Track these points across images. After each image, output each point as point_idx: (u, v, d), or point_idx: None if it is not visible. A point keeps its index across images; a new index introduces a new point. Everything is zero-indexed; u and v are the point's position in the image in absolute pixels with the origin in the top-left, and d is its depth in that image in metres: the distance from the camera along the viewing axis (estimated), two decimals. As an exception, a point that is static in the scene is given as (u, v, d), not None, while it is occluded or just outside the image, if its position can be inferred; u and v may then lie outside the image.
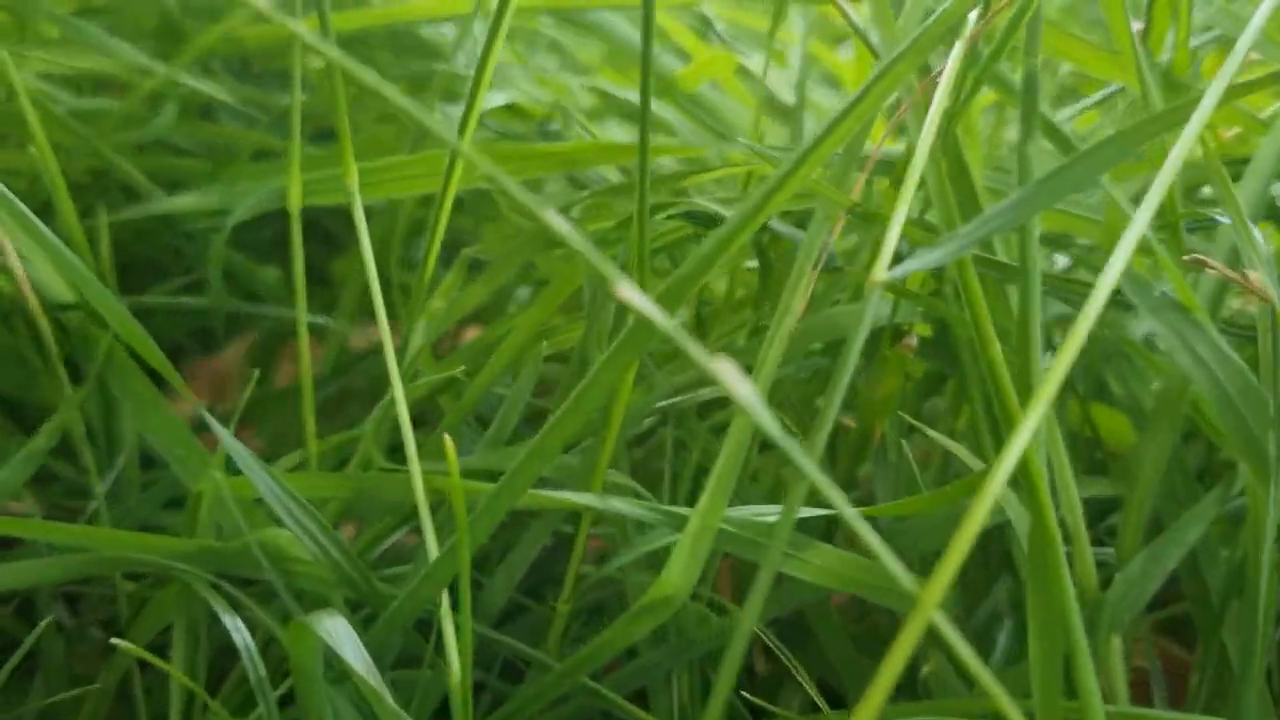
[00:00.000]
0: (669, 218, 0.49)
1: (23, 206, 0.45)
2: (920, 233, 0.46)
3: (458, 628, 0.42)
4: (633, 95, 0.66)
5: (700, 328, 0.55)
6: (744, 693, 0.46)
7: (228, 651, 0.47)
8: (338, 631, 0.38)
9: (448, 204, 0.46)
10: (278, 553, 0.46)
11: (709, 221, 0.50)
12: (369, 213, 0.70)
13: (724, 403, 0.51)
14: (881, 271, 0.34)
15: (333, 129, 0.71)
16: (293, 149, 0.48)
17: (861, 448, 0.49)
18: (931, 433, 0.44)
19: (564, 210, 0.51)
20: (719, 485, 0.40)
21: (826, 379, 0.53)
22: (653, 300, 0.40)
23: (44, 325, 0.52)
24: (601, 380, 0.40)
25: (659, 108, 0.64)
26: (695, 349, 0.33)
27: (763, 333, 0.53)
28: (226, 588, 0.45)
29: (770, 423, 0.26)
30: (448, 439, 0.34)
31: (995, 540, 0.50)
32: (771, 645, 0.44)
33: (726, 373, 0.31)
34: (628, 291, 0.32)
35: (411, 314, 0.47)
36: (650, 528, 0.42)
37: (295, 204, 0.49)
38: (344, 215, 0.68)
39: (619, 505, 0.41)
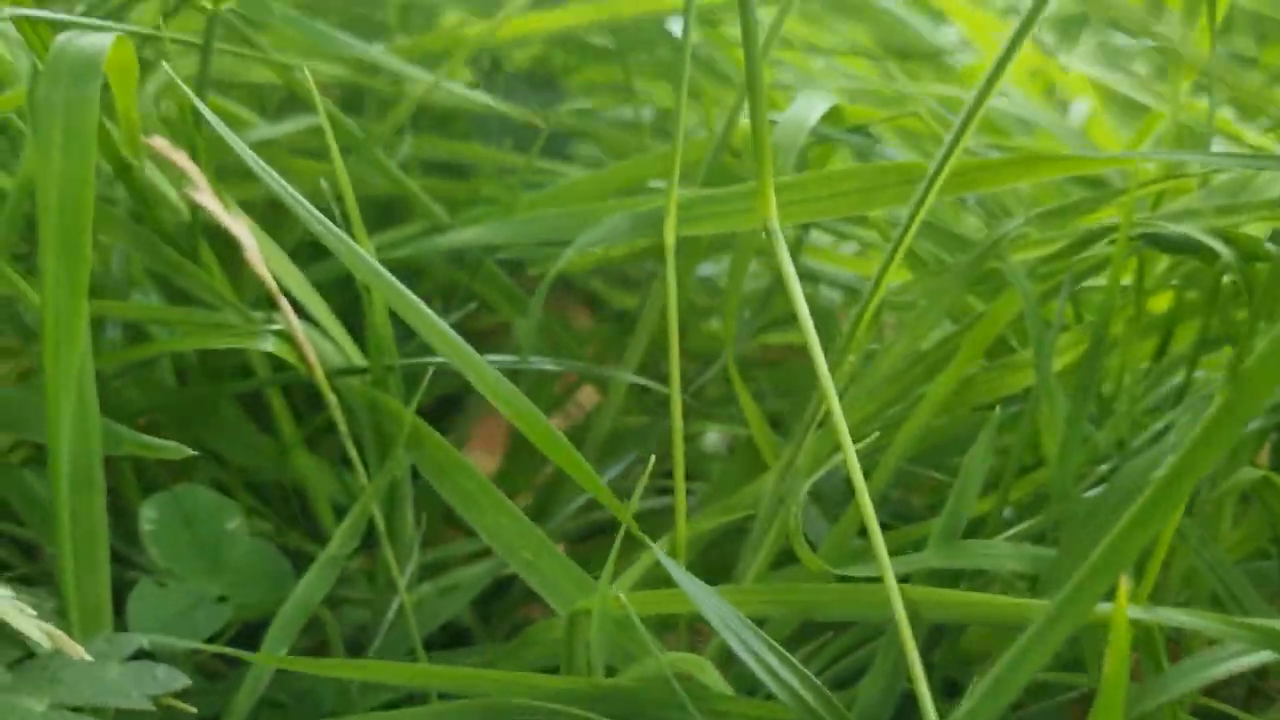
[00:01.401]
0: (1133, 239, 0.39)
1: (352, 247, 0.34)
2: None
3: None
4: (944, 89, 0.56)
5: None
6: None
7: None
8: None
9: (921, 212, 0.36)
10: (693, 689, 0.36)
11: (1171, 246, 0.40)
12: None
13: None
14: None
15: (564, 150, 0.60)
16: (674, 154, 0.37)
17: None
18: None
19: (992, 241, 0.41)
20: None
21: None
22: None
23: (329, 395, 0.42)
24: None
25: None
26: None
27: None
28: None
29: None
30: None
31: None
32: None
33: None
34: None
35: (843, 350, 0.38)
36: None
37: (671, 230, 0.38)
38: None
39: None
